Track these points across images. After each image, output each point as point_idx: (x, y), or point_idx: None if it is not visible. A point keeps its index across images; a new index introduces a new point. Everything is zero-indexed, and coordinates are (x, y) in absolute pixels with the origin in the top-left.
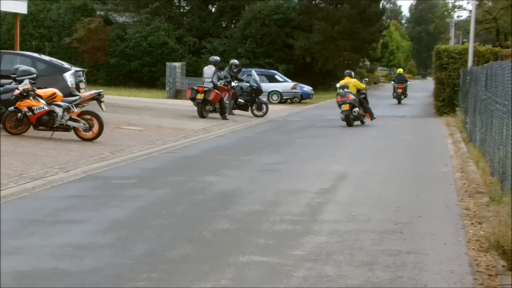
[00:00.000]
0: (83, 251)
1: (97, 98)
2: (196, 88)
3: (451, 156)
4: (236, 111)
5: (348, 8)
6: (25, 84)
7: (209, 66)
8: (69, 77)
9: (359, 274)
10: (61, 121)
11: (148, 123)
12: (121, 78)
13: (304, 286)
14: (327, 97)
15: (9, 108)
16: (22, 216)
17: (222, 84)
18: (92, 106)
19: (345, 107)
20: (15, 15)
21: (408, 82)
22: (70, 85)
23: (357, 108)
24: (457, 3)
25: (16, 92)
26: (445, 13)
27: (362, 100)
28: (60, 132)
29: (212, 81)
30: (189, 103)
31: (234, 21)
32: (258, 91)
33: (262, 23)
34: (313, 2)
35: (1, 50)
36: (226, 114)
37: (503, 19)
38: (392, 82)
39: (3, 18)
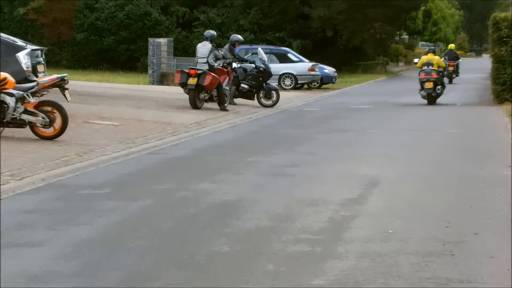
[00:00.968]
0: (40, 283)
1: (60, 84)
2: (187, 70)
3: None
4: (238, 100)
5: None
6: None
7: (204, 43)
8: (23, 57)
9: None
10: (13, 115)
11: (125, 116)
12: (91, 59)
13: None
14: (353, 80)
15: None
16: None
17: (221, 65)
18: (54, 95)
19: (429, 85)
20: None
21: (460, 60)
22: (25, 68)
23: (440, 86)
24: None
25: None
26: None
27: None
28: (12, 129)
29: (207, 62)
30: (179, 90)
31: None
32: (266, 74)
33: None
34: None
35: None
36: (225, 104)
37: None
38: (442, 58)
39: None
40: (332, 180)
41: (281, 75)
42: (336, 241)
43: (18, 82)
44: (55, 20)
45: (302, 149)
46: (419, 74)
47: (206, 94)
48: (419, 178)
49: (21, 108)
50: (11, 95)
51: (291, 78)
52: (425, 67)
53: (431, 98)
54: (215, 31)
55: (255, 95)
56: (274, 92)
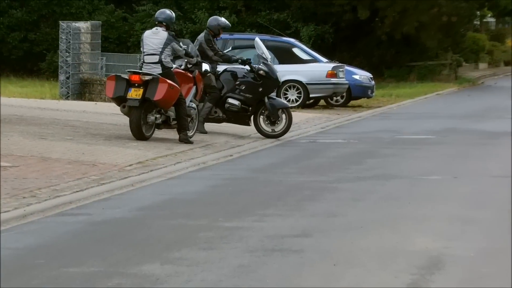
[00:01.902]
0: None
1: None
2: (126, 76)
3: None
4: (215, 126)
5: None
6: None
7: (155, 29)
8: None
9: None
10: None
11: (20, 152)
12: None
13: None
14: (403, 93)
15: None
16: None
17: (183, 67)
18: None
19: None
20: None
21: None
22: None
23: None
24: None
25: None
26: None
27: None
28: None
29: (161, 61)
30: (112, 108)
31: None
32: (269, 81)
33: None
34: None
35: None
36: (189, 132)
37: None
38: None
39: None
40: (366, 259)
41: (281, 84)
42: None
43: None
44: None
45: (317, 207)
46: None
47: (158, 116)
48: (510, 259)
49: None
50: None
51: (298, 89)
52: None
53: None
54: (174, 8)
55: (251, 116)
56: (283, 113)
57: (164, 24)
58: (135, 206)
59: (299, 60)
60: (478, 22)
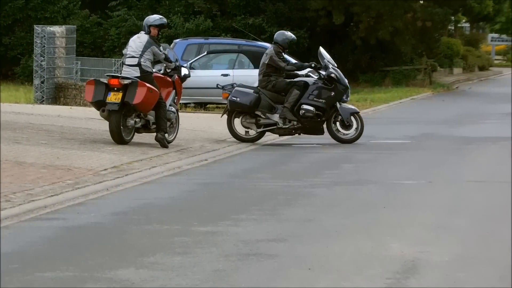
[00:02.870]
0: None
1: None
2: (105, 81)
3: None
4: (188, 130)
5: None
6: None
7: (140, 34)
8: None
9: None
10: None
11: None
12: None
13: None
14: (378, 98)
15: None
16: None
17: (162, 72)
18: None
19: None
20: None
21: None
22: None
23: None
24: None
25: None
26: None
27: None
28: None
29: (139, 64)
30: (87, 113)
31: None
32: (341, 86)
33: None
34: None
35: None
36: (170, 136)
37: None
38: None
39: None
40: (341, 264)
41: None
42: None
43: None
44: None
45: (292, 213)
46: None
47: (138, 120)
48: (484, 264)
49: None
50: None
51: None
52: None
53: None
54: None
55: (325, 123)
56: (353, 117)
57: (148, 27)
58: (109, 211)
59: None
60: (453, 27)
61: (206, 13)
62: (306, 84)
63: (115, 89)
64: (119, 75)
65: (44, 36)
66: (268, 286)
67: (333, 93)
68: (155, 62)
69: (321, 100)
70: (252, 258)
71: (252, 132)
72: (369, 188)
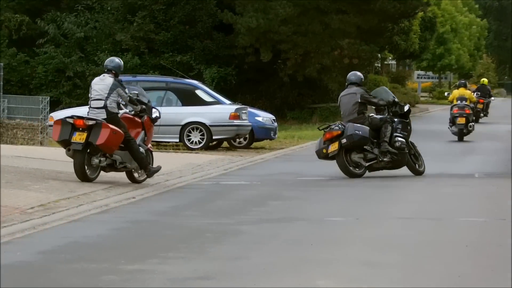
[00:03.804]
0: None
1: None
2: (71, 121)
3: None
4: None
5: None
6: None
7: (102, 76)
8: None
9: None
10: None
11: None
12: None
13: None
14: (305, 135)
15: None
16: None
17: (132, 112)
18: None
19: (461, 120)
20: None
21: (493, 99)
22: None
23: (472, 124)
24: None
25: None
26: None
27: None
28: None
29: (105, 106)
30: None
31: None
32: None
33: None
34: None
35: None
36: (152, 167)
37: None
38: (474, 94)
39: None
40: None
41: (184, 126)
42: None
43: None
44: None
45: (220, 250)
46: (451, 109)
47: (103, 159)
48: None
49: None
50: None
51: (201, 130)
52: (459, 102)
53: (462, 135)
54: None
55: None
56: (420, 157)
57: (114, 72)
58: (36, 250)
59: (202, 102)
60: (379, 65)
61: (134, 50)
62: (392, 120)
63: (80, 129)
64: (85, 116)
65: None
66: None
67: (409, 127)
68: (121, 103)
69: (405, 133)
70: None
71: (361, 167)
72: (297, 225)
